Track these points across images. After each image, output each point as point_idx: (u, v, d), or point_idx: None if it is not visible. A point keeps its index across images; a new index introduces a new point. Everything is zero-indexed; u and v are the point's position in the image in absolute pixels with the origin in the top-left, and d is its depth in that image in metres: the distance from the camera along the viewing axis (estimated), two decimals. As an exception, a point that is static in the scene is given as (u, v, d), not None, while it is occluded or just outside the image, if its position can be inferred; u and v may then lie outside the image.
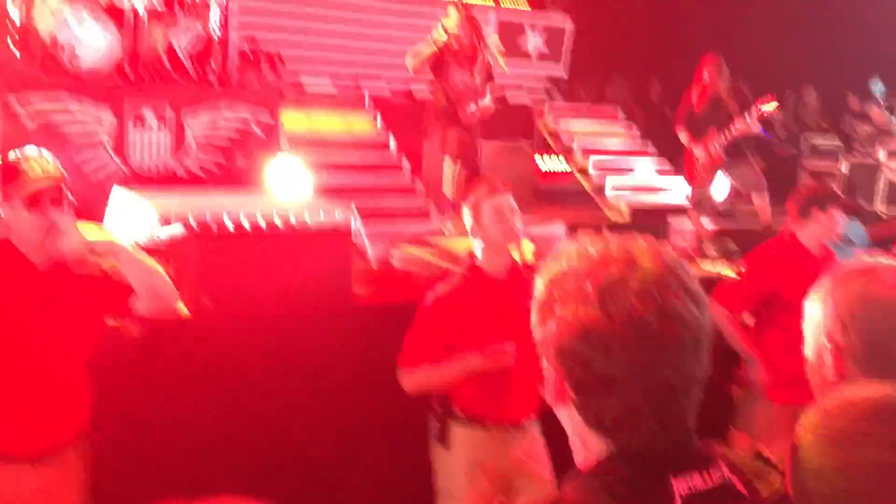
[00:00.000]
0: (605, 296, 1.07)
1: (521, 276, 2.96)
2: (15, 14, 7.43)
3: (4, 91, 6.90)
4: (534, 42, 11.19)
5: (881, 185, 10.24)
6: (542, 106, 10.63)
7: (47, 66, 7.26)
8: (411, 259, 4.28)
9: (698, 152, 7.29)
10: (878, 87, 11.72)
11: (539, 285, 1.17)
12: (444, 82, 6.84)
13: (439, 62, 6.74)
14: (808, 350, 1.43)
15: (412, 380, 2.81)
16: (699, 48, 12.01)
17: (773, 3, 12.31)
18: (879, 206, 10.20)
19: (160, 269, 2.72)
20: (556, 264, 1.16)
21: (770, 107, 7.24)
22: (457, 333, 2.83)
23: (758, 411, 3.45)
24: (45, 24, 7.18)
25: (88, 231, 2.61)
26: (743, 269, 3.58)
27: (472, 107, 6.93)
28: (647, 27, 12.11)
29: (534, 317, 1.16)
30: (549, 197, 9.99)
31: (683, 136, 7.41)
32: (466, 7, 6.79)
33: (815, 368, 1.41)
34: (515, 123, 10.25)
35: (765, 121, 12.20)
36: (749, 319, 3.61)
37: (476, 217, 2.98)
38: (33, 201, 2.51)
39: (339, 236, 3.41)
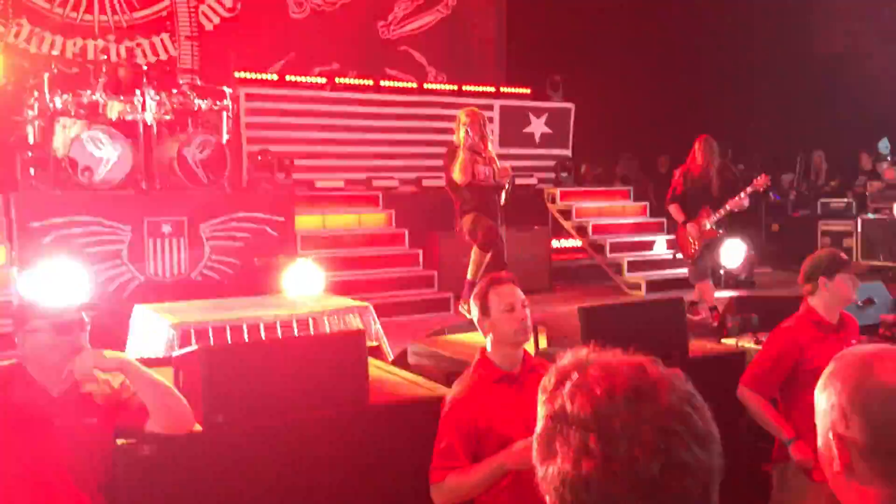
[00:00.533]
0: (608, 446, 1.05)
1: (533, 368, 2.92)
2: (31, 138, 7.70)
3: (25, 211, 7.09)
4: (537, 125, 11.38)
5: (899, 242, 10.16)
6: (553, 188, 10.73)
7: (65, 184, 7.46)
8: (428, 354, 4.25)
9: (691, 229, 7.32)
10: (885, 146, 11.79)
11: (541, 413, 1.14)
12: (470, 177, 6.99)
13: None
14: (819, 440, 1.39)
15: (442, 492, 2.72)
16: (711, 122, 12.23)
17: (780, 77, 12.53)
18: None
19: (173, 387, 2.73)
20: (559, 394, 1.12)
21: (762, 184, 7.34)
22: (479, 434, 2.77)
23: (800, 492, 3.34)
24: (64, 147, 7.41)
25: (102, 353, 2.63)
26: (765, 349, 3.53)
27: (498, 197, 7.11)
28: (657, 104, 12.33)
29: (535, 449, 1.13)
30: (566, 277, 10.01)
31: (675, 212, 7.46)
32: (479, 112, 7.08)
33: (825, 459, 1.37)
34: (527, 207, 10.34)
35: (779, 185, 12.40)
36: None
37: (483, 309, 2.94)
38: (61, 329, 2.57)
39: (354, 337, 3.39)
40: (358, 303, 5.68)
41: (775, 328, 3.55)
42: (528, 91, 11.49)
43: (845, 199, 11.28)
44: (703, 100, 12.45)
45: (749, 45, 12.74)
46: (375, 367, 3.73)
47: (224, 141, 8.25)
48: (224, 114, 8.46)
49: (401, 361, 4.47)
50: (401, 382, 3.58)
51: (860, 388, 1.32)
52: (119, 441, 2.74)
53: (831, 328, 3.43)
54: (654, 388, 1.09)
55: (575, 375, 1.13)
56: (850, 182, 11.78)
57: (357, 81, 10.52)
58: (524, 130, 11.30)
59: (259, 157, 8.92)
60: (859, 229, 10.66)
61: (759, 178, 7.43)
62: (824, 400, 1.37)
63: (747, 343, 4.85)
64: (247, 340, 4.98)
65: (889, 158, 11.70)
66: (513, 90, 11.52)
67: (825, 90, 12.40)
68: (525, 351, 2.99)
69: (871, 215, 10.72)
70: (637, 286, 9.20)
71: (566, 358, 1.19)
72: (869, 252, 10.54)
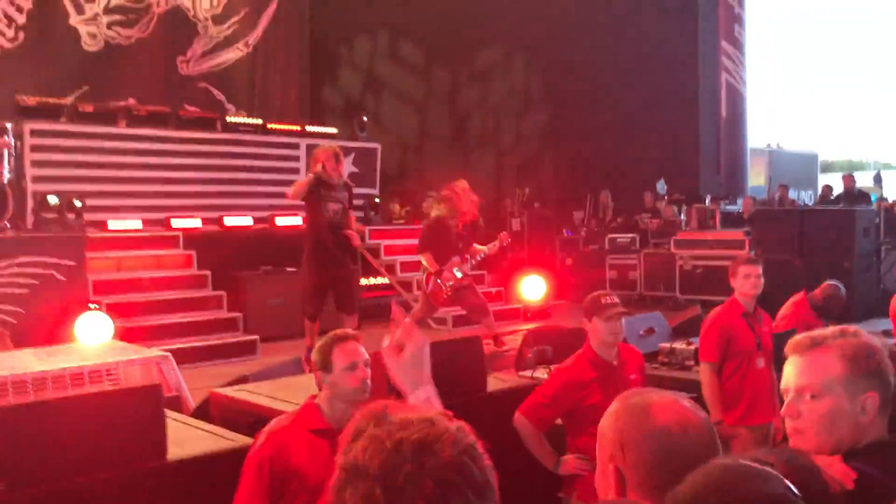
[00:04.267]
0: (392, 498, 1.10)
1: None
2: None
3: None
4: (345, 164, 11.46)
5: (677, 274, 11.15)
6: (362, 226, 10.84)
7: None
8: (230, 404, 4.15)
9: (447, 274, 7.56)
10: (662, 187, 12.96)
11: (337, 463, 1.18)
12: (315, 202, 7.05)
13: (314, 188, 6.97)
14: (598, 466, 1.55)
15: None
16: (504, 164, 12.83)
17: (573, 120, 13.45)
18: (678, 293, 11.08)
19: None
20: (353, 446, 1.16)
21: (495, 247, 7.83)
22: (284, 476, 2.75)
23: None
24: None
25: None
26: (546, 385, 3.71)
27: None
28: (455, 144, 12.79)
29: (329, 500, 1.17)
30: (375, 315, 10.11)
31: (427, 260, 7.65)
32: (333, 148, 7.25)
33: (601, 486, 1.53)
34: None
35: (571, 222, 13.27)
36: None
37: (324, 364, 2.89)
38: None
39: (149, 391, 3.26)
40: (155, 352, 5.45)
41: (558, 366, 3.76)
42: (335, 131, 11.57)
43: (630, 235, 12.23)
44: (502, 144, 13.10)
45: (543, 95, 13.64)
46: (174, 421, 3.59)
47: (5, 180, 7.67)
48: (5, 151, 7.88)
49: (203, 412, 4.33)
50: (202, 435, 3.48)
51: (638, 427, 1.48)
52: None
53: (608, 366, 3.65)
54: (438, 441, 1.16)
55: (370, 428, 1.19)
56: (633, 219, 12.81)
57: (154, 115, 10.11)
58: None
59: (46, 198, 8.34)
60: (642, 263, 11.61)
61: (502, 234, 7.97)
62: (608, 431, 1.53)
63: (542, 374, 5.14)
64: (32, 397, 4.63)
65: (665, 198, 12.87)
66: (319, 129, 11.56)
67: (614, 134, 13.47)
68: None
69: (651, 250, 11.71)
70: (444, 321, 9.45)
71: (364, 410, 1.25)
72: (650, 284, 11.50)
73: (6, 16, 10.46)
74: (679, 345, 5.77)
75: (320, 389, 2.97)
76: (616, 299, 3.68)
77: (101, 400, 3.20)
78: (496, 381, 4.34)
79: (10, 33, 10.52)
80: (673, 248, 11.36)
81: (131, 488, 3.05)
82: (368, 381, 2.92)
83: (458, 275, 7.67)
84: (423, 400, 1.70)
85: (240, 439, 3.45)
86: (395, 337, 1.77)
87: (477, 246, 7.82)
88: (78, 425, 2.98)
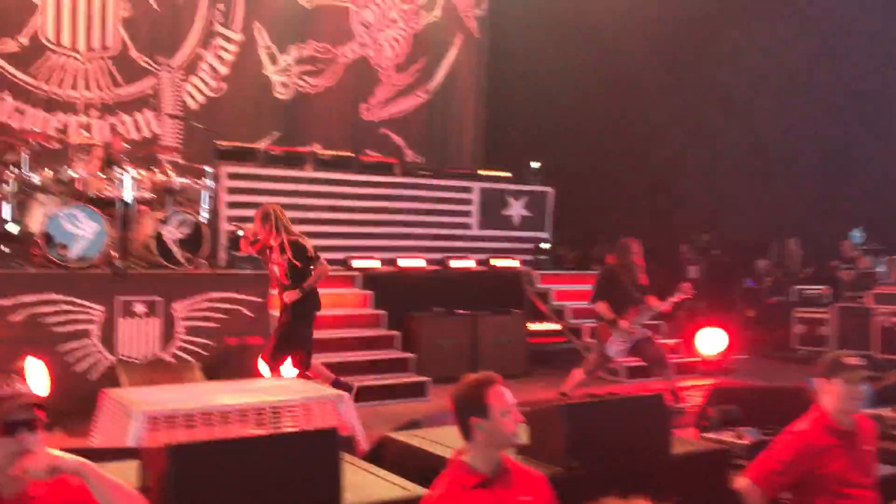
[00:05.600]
0: None
1: (507, 470, 2.84)
2: (7, 213, 7.62)
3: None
4: (516, 208, 11.49)
5: (875, 331, 10.22)
6: (531, 270, 10.76)
7: (38, 262, 7.36)
8: (404, 449, 4.13)
9: (622, 324, 7.26)
10: (858, 236, 11.97)
11: None
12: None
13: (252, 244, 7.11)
14: None
15: None
16: (686, 210, 12.36)
17: (760, 162, 12.75)
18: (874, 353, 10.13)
19: (129, 489, 2.59)
20: None
21: (685, 293, 7.46)
22: None
23: None
24: (40, 224, 7.33)
25: (57, 454, 2.51)
26: (777, 450, 3.39)
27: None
28: (633, 189, 12.48)
29: None
30: (543, 361, 9.94)
31: (602, 309, 7.41)
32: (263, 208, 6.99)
33: None
34: (503, 289, 10.34)
35: (754, 271, 12.51)
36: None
37: (477, 410, 2.77)
38: (6, 429, 2.43)
39: (326, 435, 3.30)
40: (334, 391, 5.57)
41: (787, 429, 3.44)
42: (509, 175, 11.63)
43: (820, 287, 11.38)
44: (680, 187, 12.63)
45: (721, 134, 13.03)
46: (349, 464, 3.61)
47: (203, 220, 8.22)
48: (204, 192, 8.46)
49: (375, 455, 4.34)
50: (375, 481, 3.46)
51: None
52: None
53: (846, 433, 3.33)
54: None
55: None
56: (825, 269, 11.91)
57: (338, 159, 10.57)
58: (502, 213, 11.41)
59: (236, 236, 8.85)
60: (834, 318, 10.73)
61: (683, 284, 7.57)
62: None
63: (729, 438, 4.79)
64: (217, 430, 4.84)
65: (863, 247, 11.88)
66: (492, 173, 11.66)
67: (808, 175, 12.58)
68: (508, 459, 2.91)
69: (846, 304, 10.80)
70: (616, 372, 9.13)
71: None
72: (844, 341, 10.58)
73: (212, 68, 11.34)
74: (886, 411, 5.23)
75: (470, 439, 2.85)
76: (858, 360, 3.38)
77: (281, 441, 3.26)
78: (678, 443, 4.06)
79: (214, 84, 11.38)
80: (871, 302, 10.43)
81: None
82: (518, 427, 2.84)
83: (635, 326, 7.40)
84: None
85: (412, 488, 3.40)
86: None
87: (653, 300, 7.49)
88: (258, 466, 3.04)
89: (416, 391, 8.24)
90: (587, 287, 10.70)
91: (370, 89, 12.62)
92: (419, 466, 3.80)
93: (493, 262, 10.84)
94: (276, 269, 6.86)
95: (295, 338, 6.86)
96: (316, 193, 10.00)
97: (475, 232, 11.20)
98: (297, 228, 7.06)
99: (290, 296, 6.74)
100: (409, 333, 8.99)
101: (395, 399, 8.01)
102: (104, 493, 2.52)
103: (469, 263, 10.72)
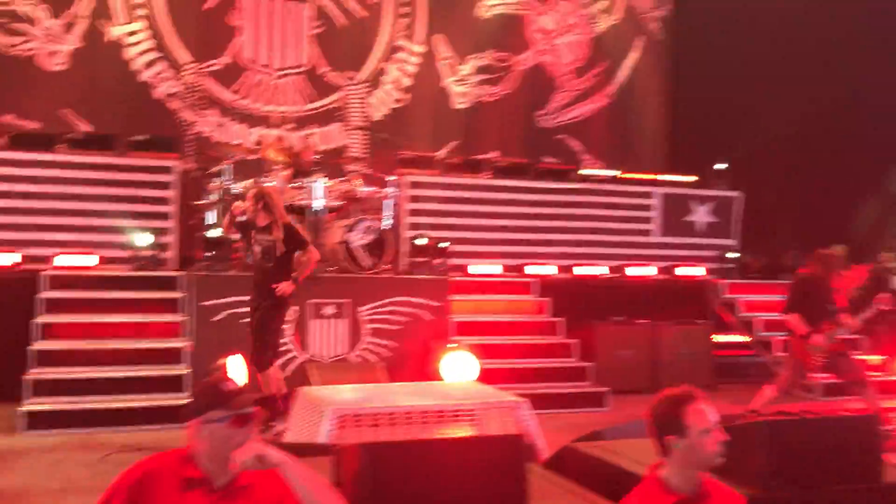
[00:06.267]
0: None
1: (708, 492, 2.69)
2: (210, 220, 8.22)
3: (200, 290, 7.53)
4: (700, 214, 11.05)
5: None
6: (717, 279, 10.29)
7: (236, 266, 7.89)
8: (587, 459, 4.05)
9: (815, 339, 6.71)
10: None
11: None
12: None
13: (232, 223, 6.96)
14: None
15: None
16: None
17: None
18: None
19: (327, 483, 2.69)
20: None
21: (885, 306, 6.85)
22: None
23: None
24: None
25: (266, 448, 2.65)
26: None
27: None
28: (830, 196, 11.67)
29: None
30: (729, 375, 9.46)
31: (794, 321, 6.87)
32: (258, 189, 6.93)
33: None
34: (686, 299, 9.97)
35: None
36: None
37: (676, 428, 2.62)
38: (240, 422, 2.59)
39: (512, 442, 3.29)
40: (514, 397, 5.56)
41: None
42: (692, 179, 11.20)
43: None
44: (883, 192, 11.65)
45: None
46: (531, 472, 3.58)
47: (386, 227, 8.50)
48: (387, 201, 8.75)
49: (556, 464, 4.29)
50: (560, 493, 3.42)
51: None
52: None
53: None
54: None
55: None
56: None
57: (515, 166, 10.61)
58: (685, 219, 11.00)
59: (419, 243, 9.08)
60: None
61: (882, 296, 7.02)
62: None
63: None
64: (401, 430, 4.97)
65: None
66: (675, 178, 11.27)
67: None
68: (706, 477, 2.76)
69: None
70: (810, 389, 8.54)
71: None
72: None
73: (395, 80, 11.73)
74: None
75: (666, 455, 2.72)
76: None
77: (468, 445, 3.28)
78: (890, 470, 3.72)
79: (398, 95, 11.77)
80: None
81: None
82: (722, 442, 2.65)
83: (830, 341, 6.88)
84: None
85: (599, 501, 3.33)
86: None
87: (846, 318, 6.93)
88: (447, 467, 3.08)
89: (593, 401, 8.10)
90: (778, 298, 10.15)
91: (547, 96, 12.58)
92: (603, 479, 3.71)
93: (678, 270, 10.48)
94: (256, 248, 6.73)
95: (269, 324, 6.62)
96: (493, 200, 10.08)
97: (656, 239, 10.86)
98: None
99: (286, 287, 6.56)
100: (587, 343, 8.84)
101: (571, 408, 7.91)
102: (303, 486, 2.63)
103: (649, 271, 10.42)
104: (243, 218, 6.81)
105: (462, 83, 12.08)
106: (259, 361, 6.52)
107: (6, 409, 6.76)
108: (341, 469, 3.24)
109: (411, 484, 3.02)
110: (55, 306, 7.62)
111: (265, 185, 6.90)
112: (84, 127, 9.74)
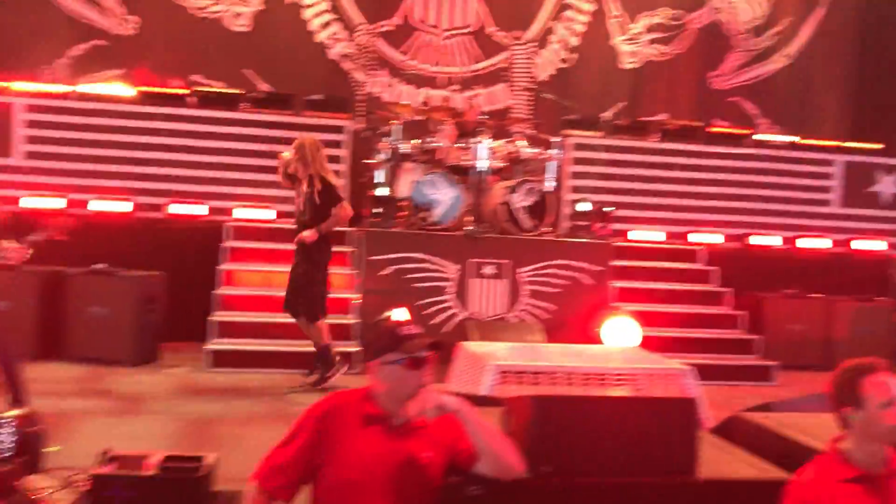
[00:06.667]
0: None
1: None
2: (380, 179, 8.49)
3: (370, 245, 7.84)
4: (887, 184, 10.29)
5: None
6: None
7: (404, 223, 8.13)
8: (757, 429, 3.92)
9: None
10: None
11: None
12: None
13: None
14: None
15: None
16: None
17: None
18: None
19: (501, 432, 2.78)
20: None
21: None
22: None
23: None
24: (406, 189, 8.09)
25: (443, 394, 2.76)
26: None
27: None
28: None
29: None
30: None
31: None
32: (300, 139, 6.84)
33: None
34: (867, 275, 9.36)
35: None
36: None
37: (853, 399, 2.53)
38: (416, 364, 2.73)
39: (684, 404, 3.24)
40: (679, 365, 5.46)
41: None
42: (880, 146, 10.41)
43: None
44: None
45: None
46: (701, 438, 3.51)
47: (548, 189, 8.47)
48: (550, 163, 8.70)
49: (723, 433, 4.18)
50: (730, 459, 3.34)
51: None
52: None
53: None
54: None
55: None
56: None
57: (685, 129, 10.24)
58: (868, 189, 10.27)
59: (581, 208, 8.98)
60: None
61: None
62: None
63: None
64: (560, 390, 5.00)
65: None
66: (859, 145, 10.52)
67: None
68: (891, 449, 2.62)
69: None
70: None
71: None
72: None
73: (563, 40, 11.56)
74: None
75: (845, 428, 2.61)
76: None
77: (639, 405, 3.27)
78: None
79: (565, 55, 11.59)
80: None
81: (659, 498, 3.05)
82: None
83: None
84: None
85: (769, 469, 3.23)
86: None
87: None
88: (616, 426, 3.08)
89: (760, 374, 7.82)
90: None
91: (721, 56, 11.99)
92: (774, 450, 3.59)
93: (854, 244, 9.83)
94: (298, 200, 6.73)
95: (309, 284, 6.62)
96: (661, 164, 9.80)
97: (834, 209, 10.22)
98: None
99: (309, 235, 6.54)
100: (756, 315, 8.49)
101: (736, 381, 7.66)
102: (479, 433, 2.73)
103: (823, 243, 9.84)
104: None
105: (632, 42, 11.73)
106: (309, 313, 6.63)
107: (195, 348, 7.39)
108: (511, 419, 3.31)
109: (582, 439, 3.04)
110: (237, 256, 8.17)
111: (307, 138, 6.89)
112: (264, 86, 10.25)
